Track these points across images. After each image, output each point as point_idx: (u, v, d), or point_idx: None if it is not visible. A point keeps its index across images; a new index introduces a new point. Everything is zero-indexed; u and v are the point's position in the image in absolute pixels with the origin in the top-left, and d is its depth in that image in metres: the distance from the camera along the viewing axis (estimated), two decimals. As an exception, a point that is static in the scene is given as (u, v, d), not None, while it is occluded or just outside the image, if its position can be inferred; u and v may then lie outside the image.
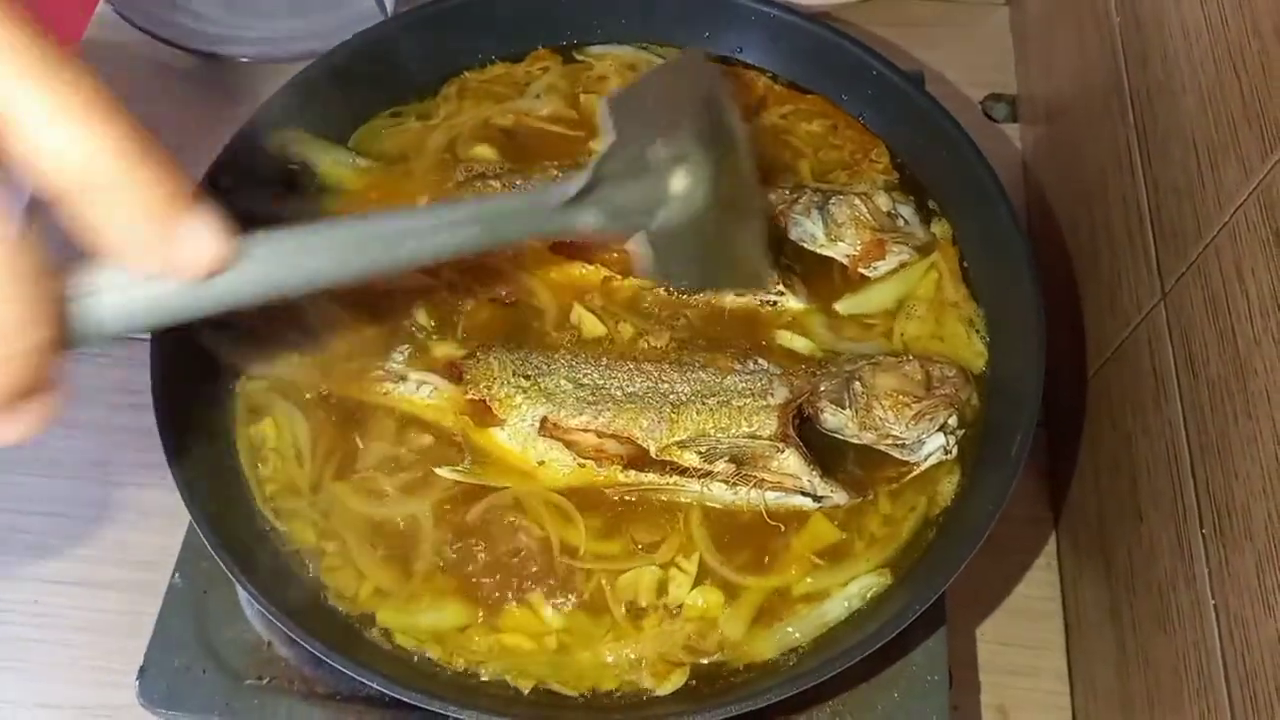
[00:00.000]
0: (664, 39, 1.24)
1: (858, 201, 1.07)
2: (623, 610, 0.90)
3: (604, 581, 0.91)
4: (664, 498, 0.95)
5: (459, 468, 0.95)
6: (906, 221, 1.09)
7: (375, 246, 0.65)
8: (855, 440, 0.95)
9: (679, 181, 0.75)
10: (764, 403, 0.95)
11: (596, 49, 1.24)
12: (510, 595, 0.91)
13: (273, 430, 0.99)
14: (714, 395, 0.96)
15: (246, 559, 0.89)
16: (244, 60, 1.39)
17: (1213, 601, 0.78)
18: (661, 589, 0.91)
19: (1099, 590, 1.02)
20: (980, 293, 1.06)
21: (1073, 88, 1.18)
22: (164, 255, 0.50)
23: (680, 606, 0.90)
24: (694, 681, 0.88)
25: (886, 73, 1.15)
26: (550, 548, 0.92)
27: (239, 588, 0.87)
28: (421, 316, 1.03)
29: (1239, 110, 0.77)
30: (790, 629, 0.90)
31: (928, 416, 0.93)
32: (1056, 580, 1.11)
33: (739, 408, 0.94)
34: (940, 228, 1.11)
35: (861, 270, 1.06)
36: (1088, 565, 1.06)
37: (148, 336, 0.95)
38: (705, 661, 0.89)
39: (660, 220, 0.76)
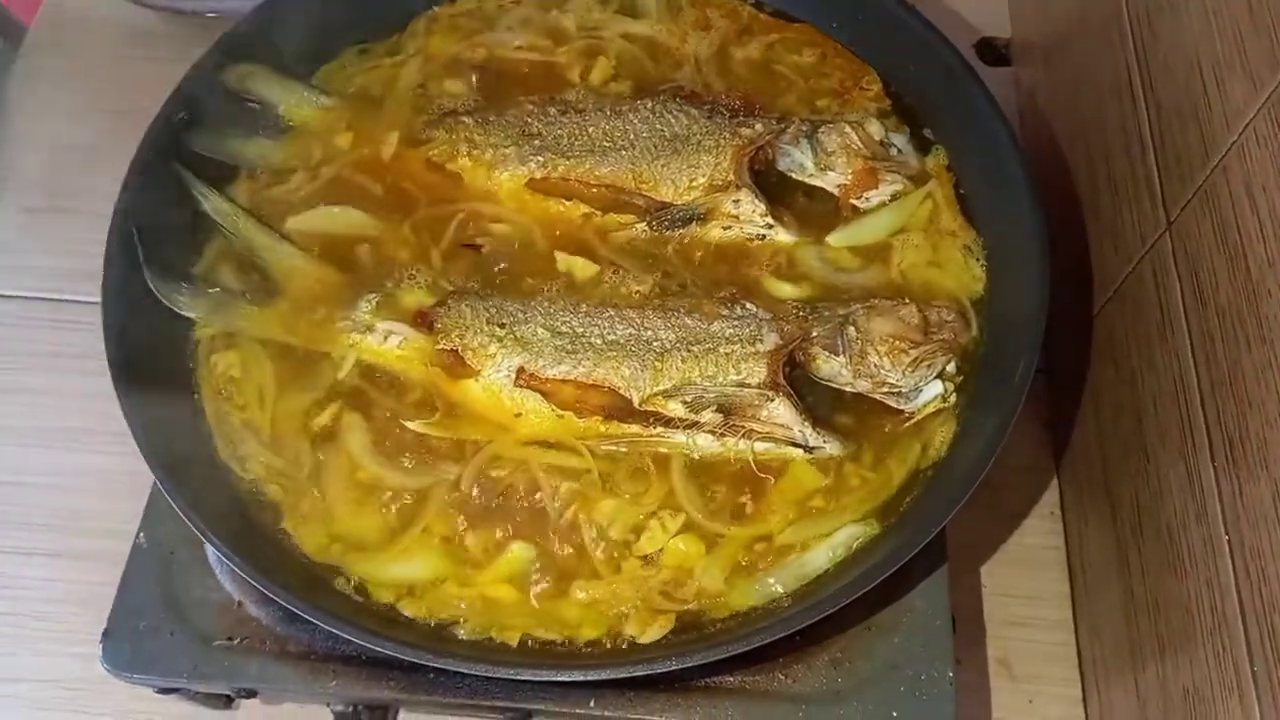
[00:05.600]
0: (644, -33, 1.16)
1: (848, 129, 1.01)
2: (599, 550, 0.86)
3: (580, 513, 0.87)
4: (647, 449, 0.90)
5: (429, 420, 0.91)
6: (900, 150, 1.04)
7: None
8: (850, 388, 0.91)
9: None
10: (753, 349, 0.90)
11: (573, -21, 1.17)
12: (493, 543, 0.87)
13: (238, 364, 0.94)
14: (700, 342, 0.91)
15: (212, 512, 0.85)
16: (210, 15, 1.33)
17: (1226, 537, 0.75)
18: (636, 531, 0.87)
19: (1105, 537, 0.98)
20: (978, 219, 1.01)
21: (1070, 23, 1.13)
22: None
23: (659, 552, 0.86)
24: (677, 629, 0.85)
25: (878, -5, 1.08)
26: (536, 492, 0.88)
27: (206, 545, 0.83)
28: (388, 262, 0.98)
29: (1246, 21, 0.73)
30: (771, 580, 0.86)
31: (925, 363, 0.88)
32: (1060, 529, 1.07)
33: (726, 354, 0.90)
34: (935, 156, 1.05)
35: (853, 200, 1.01)
36: (1092, 512, 1.02)
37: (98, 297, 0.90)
38: (687, 608, 0.85)
39: None
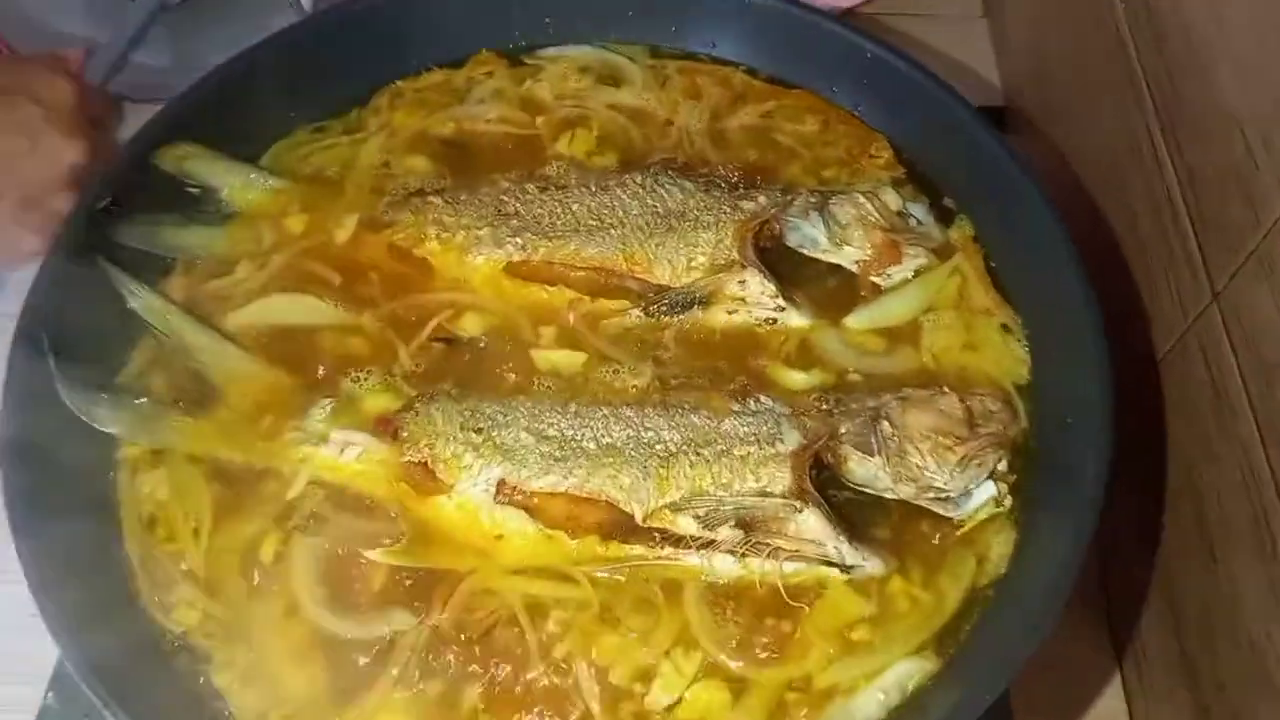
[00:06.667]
0: (627, 37, 1.09)
1: (862, 199, 0.92)
2: (597, 700, 0.72)
3: (576, 656, 0.73)
4: (654, 575, 0.76)
5: (393, 548, 0.77)
6: (920, 221, 0.95)
7: None
8: (890, 494, 0.78)
9: None
10: (772, 450, 0.77)
11: (550, 51, 1.08)
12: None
13: (167, 485, 0.80)
14: (710, 443, 0.78)
15: (125, 675, 0.69)
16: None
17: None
18: (644, 677, 0.73)
19: (1168, 648, 0.85)
20: (1014, 294, 0.91)
21: (1072, 88, 1.07)
22: None
23: (675, 704, 0.72)
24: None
25: (884, 54, 1.00)
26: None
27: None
28: (346, 361, 0.86)
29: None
30: (813, 733, 0.72)
31: (975, 461, 0.77)
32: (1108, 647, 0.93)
33: (742, 458, 0.77)
34: (959, 227, 0.96)
35: (874, 278, 0.91)
36: (1151, 623, 0.89)
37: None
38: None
39: None
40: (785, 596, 0.75)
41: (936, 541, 0.79)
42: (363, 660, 0.74)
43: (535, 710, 0.72)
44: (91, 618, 0.72)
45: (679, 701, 0.72)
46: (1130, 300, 0.91)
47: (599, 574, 0.76)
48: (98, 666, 0.68)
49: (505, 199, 0.95)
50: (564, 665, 0.73)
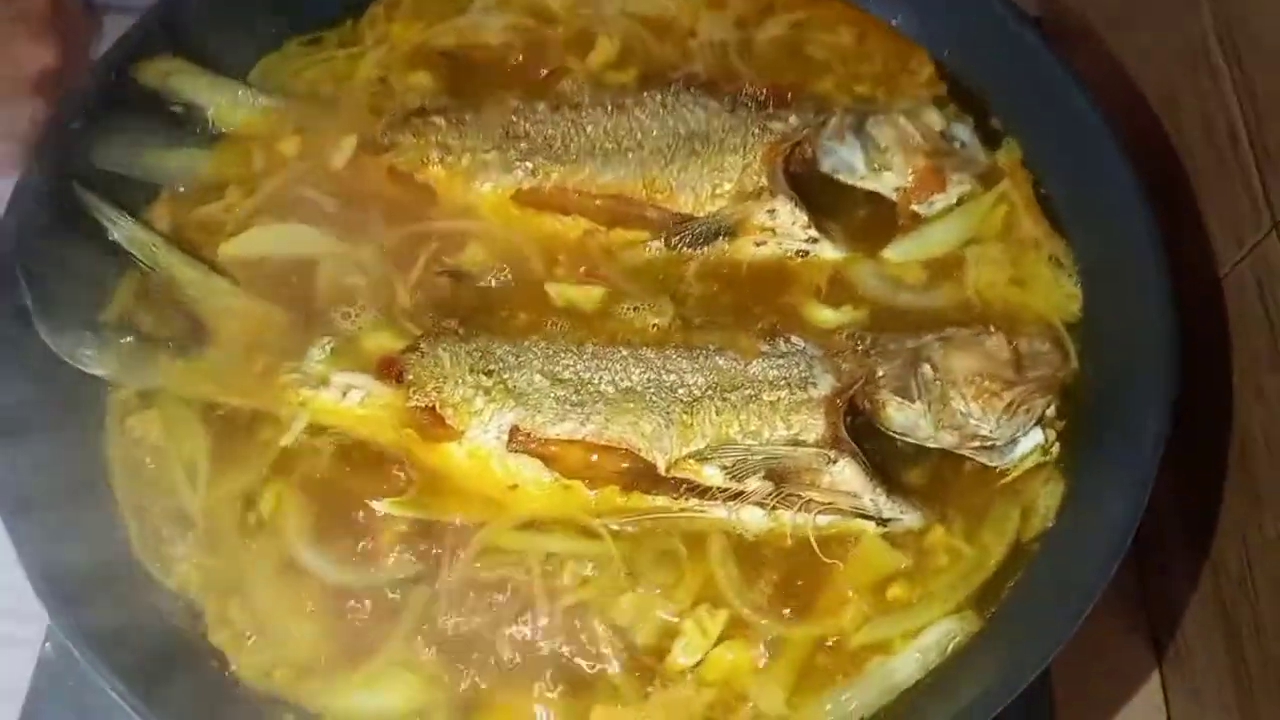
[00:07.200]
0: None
1: (902, 120, 0.85)
2: (619, 662, 0.68)
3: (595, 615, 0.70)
4: (677, 526, 0.72)
5: (401, 499, 0.72)
6: (964, 143, 0.87)
7: None
8: (931, 443, 0.73)
9: None
10: (804, 395, 0.72)
11: (562, -47, 0.99)
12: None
13: (160, 429, 0.76)
14: (737, 388, 0.73)
15: (118, 637, 0.66)
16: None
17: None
18: (666, 637, 0.69)
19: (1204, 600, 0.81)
20: (1066, 224, 0.85)
21: None
22: None
23: (699, 664, 0.68)
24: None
25: (924, -43, 0.91)
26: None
27: (105, 686, 0.63)
28: (345, 295, 0.80)
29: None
30: (847, 697, 0.68)
31: (1023, 407, 0.71)
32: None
33: (771, 403, 0.72)
34: (1007, 151, 0.88)
35: (914, 207, 0.84)
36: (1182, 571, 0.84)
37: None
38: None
39: None
40: (816, 548, 0.70)
41: (978, 491, 0.74)
42: (369, 618, 0.70)
43: (549, 674, 0.68)
44: (81, 572, 0.68)
45: (702, 662, 0.68)
46: (1183, 230, 0.84)
47: (616, 526, 0.72)
48: (89, 629, 0.65)
49: (514, 119, 0.88)
50: (580, 625, 0.69)
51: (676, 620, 0.70)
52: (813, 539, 0.70)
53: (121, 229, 0.81)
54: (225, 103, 0.89)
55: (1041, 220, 0.84)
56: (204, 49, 0.89)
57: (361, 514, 0.73)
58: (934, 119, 0.86)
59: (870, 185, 0.84)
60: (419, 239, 0.84)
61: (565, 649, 0.69)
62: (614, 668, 0.68)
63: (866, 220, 0.85)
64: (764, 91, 0.90)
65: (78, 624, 0.64)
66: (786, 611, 0.70)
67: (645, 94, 0.88)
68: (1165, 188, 0.86)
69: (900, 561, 0.71)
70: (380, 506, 0.72)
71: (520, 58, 0.94)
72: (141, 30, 0.86)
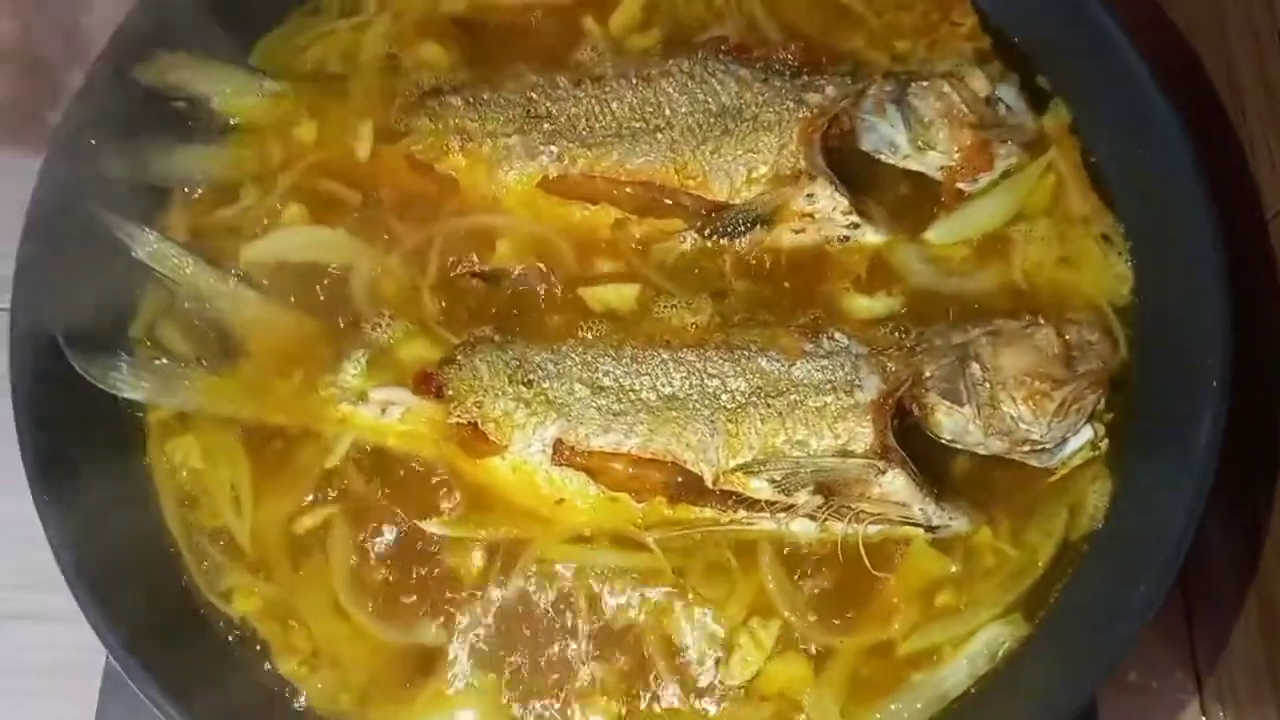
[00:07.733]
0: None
1: (946, 88, 0.80)
2: (673, 681, 0.69)
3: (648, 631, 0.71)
4: (726, 537, 0.72)
5: (449, 518, 0.72)
6: (1010, 107, 0.82)
7: None
8: (981, 449, 0.71)
9: None
10: (851, 401, 0.70)
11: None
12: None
13: (199, 454, 0.75)
14: (781, 393, 0.71)
15: (178, 670, 0.67)
16: None
17: None
18: (722, 648, 0.70)
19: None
20: (1116, 196, 0.80)
21: None
22: None
23: (755, 678, 0.69)
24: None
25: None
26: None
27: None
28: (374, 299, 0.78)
29: None
30: (897, 706, 0.69)
31: (1075, 406, 0.69)
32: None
33: (818, 410, 0.70)
34: (1055, 114, 0.83)
35: (960, 185, 0.80)
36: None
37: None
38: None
39: None
40: (866, 560, 0.70)
41: (1024, 489, 0.73)
42: (428, 640, 0.71)
43: (604, 693, 0.69)
44: (129, 593, 0.69)
45: (757, 675, 0.69)
46: (1229, 184, 0.79)
47: (661, 538, 0.72)
48: (151, 663, 0.66)
49: (534, 96, 0.83)
50: (636, 641, 0.70)
51: (729, 634, 0.70)
52: (863, 549, 0.70)
53: (147, 246, 0.78)
54: (230, 90, 0.84)
55: (1090, 193, 0.80)
56: (198, 38, 0.83)
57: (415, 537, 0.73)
58: (980, 83, 0.80)
59: (913, 165, 0.80)
60: (446, 238, 0.80)
61: (624, 666, 0.70)
62: (672, 686, 0.70)
63: (907, 198, 0.81)
64: (797, 55, 0.84)
65: (135, 648, 0.66)
66: (837, 621, 0.70)
67: (671, 62, 0.83)
68: (1206, 131, 0.80)
69: (948, 567, 0.71)
70: (430, 527, 0.73)
71: (538, 19, 0.88)
72: (132, 29, 0.81)
